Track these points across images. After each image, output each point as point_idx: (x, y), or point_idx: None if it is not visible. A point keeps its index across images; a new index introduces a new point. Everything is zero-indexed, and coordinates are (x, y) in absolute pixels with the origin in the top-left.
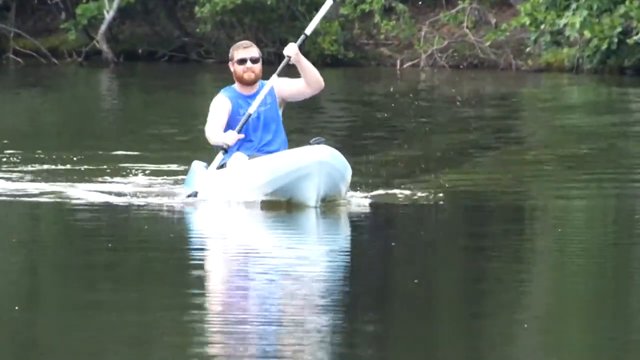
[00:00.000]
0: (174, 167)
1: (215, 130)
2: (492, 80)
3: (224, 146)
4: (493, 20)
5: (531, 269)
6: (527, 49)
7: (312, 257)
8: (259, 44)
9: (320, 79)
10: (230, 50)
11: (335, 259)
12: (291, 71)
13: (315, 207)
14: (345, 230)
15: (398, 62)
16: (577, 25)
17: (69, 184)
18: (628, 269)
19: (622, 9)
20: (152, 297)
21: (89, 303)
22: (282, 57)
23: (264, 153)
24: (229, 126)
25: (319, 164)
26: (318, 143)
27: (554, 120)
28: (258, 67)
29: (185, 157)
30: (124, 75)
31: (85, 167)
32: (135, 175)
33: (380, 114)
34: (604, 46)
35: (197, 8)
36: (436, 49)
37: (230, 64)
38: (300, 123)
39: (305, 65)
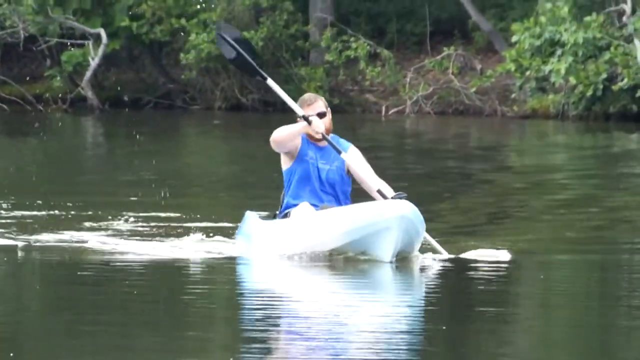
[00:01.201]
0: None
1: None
2: (497, 128)
3: (306, 116)
4: (478, 67)
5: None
6: (513, 95)
7: (389, 316)
8: (243, 90)
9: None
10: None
11: (412, 319)
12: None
13: (390, 262)
14: (421, 288)
15: (383, 108)
16: (563, 72)
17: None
18: None
19: (606, 55)
20: None
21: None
22: (267, 103)
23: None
24: (293, 172)
25: (400, 219)
26: (400, 198)
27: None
28: (327, 120)
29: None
30: (109, 122)
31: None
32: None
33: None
34: (589, 92)
35: (182, 55)
36: (421, 95)
37: (298, 120)
38: None
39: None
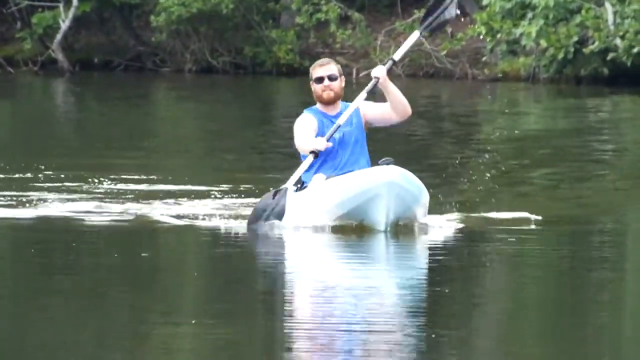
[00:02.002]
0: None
1: (305, 138)
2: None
3: (315, 151)
4: (449, 30)
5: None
6: (484, 58)
7: (382, 288)
8: (214, 53)
9: (408, 106)
10: (310, 70)
11: (406, 290)
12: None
13: (385, 231)
14: (419, 258)
15: (354, 71)
16: (534, 35)
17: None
18: None
19: (578, 19)
20: (212, 330)
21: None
22: (238, 66)
23: (346, 173)
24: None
25: (388, 185)
26: (387, 164)
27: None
28: (337, 84)
29: (150, 165)
30: (80, 84)
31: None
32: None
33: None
34: (560, 55)
35: (152, 17)
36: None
37: (310, 84)
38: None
39: (392, 90)
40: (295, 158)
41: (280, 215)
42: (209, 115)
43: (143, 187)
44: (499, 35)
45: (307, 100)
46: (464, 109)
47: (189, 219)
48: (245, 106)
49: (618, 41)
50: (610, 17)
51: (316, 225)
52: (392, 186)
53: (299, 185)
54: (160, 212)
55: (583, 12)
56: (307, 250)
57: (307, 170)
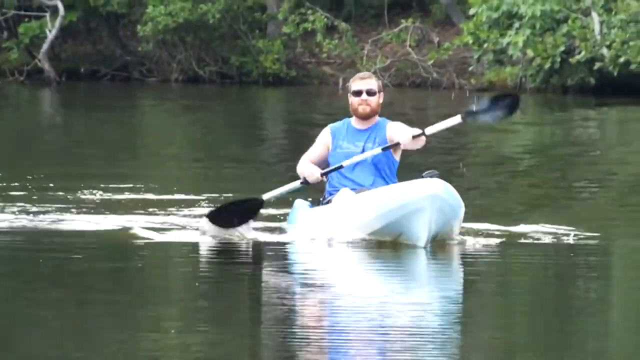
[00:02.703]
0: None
1: (302, 160)
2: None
3: (302, 180)
4: (436, 39)
5: None
6: (470, 68)
7: (423, 304)
8: (200, 62)
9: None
10: (350, 81)
11: (446, 308)
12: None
13: (425, 248)
14: (458, 276)
15: (340, 80)
16: (520, 44)
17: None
18: None
19: (564, 28)
20: (244, 345)
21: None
22: (224, 75)
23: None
24: (329, 164)
25: (432, 198)
26: (431, 176)
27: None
28: (375, 100)
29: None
30: (66, 94)
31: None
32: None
33: None
34: (547, 65)
35: (139, 27)
36: (379, 68)
37: (348, 96)
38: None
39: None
40: (273, 165)
41: (237, 223)
42: (195, 125)
43: (128, 196)
44: (485, 45)
45: (293, 109)
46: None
47: (175, 228)
48: (232, 116)
49: (605, 51)
50: (596, 27)
51: (348, 240)
52: (435, 199)
53: (320, 200)
54: (146, 221)
55: (570, 22)
56: (338, 266)
57: (333, 187)
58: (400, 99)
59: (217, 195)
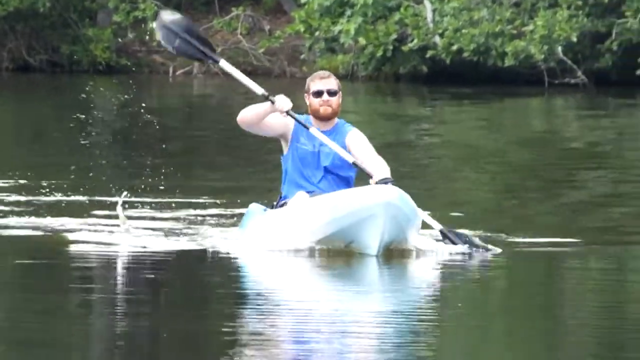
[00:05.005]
0: None
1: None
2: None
3: (271, 97)
4: (267, 27)
5: None
6: (302, 56)
7: (371, 316)
8: (30, 51)
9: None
10: (307, 80)
11: (398, 321)
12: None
13: (377, 256)
14: (412, 286)
15: (171, 69)
16: (352, 32)
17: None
18: None
19: (397, 16)
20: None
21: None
22: (55, 64)
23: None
24: (287, 159)
25: (385, 206)
26: (385, 182)
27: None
28: (336, 100)
29: None
30: None
31: None
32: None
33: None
34: (379, 53)
35: None
36: None
37: (305, 96)
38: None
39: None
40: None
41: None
42: (24, 114)
43: None
44: (317, 33)
45: (124, 98)
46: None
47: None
48: (60, 105)
49: (437, 39)
50: (429, 15)
51: (298, 247)
52: (389, 207)
53: (275, 203)
54: None
55: (402, 9)
56: (286, 275)
57: (285, 181)
58: (231, 88)
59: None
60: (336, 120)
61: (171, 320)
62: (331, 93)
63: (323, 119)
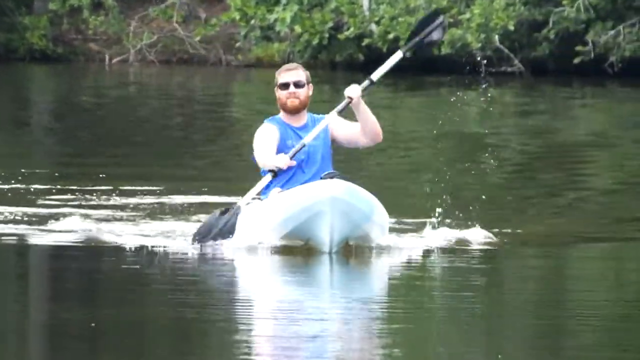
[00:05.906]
0: None
1: (266, 153)
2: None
3: (275, 169)
4: (203, 15)
5: None
6: (237, 44)
7: (329, 311)
8: None
9: (379, 130)
10: (275, 74)
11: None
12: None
13: (330, 253)
14: (371, 282)
15: (107, 57)
16: (288, 20)
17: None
18: None
19: (333, 4)
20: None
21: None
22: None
23: None
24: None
25: (331, 201)
26: (331, 177)
27: None
28: (304, 92)
29: None
30: None
31: None
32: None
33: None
34: (315, 41)
35: None
36: (145, 44)
37: (275, 89)
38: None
39: (364, 112)
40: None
41: (228, 235)
42: None
43: None
44: (253, 21)
45: (59, 87)
46: (218, 96)
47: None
48: None
49: (373, 27)
50: (365, 3)
51: (263, 245)
52: (335, 202)
53: (255, 199)
54: None
55: None
56: (247, 273)
57: (267, 187)
58: (166, 75)
59: None
60: (306, 113)
61: (105, 310)
62: (298, 85)
63: (292, 111)
